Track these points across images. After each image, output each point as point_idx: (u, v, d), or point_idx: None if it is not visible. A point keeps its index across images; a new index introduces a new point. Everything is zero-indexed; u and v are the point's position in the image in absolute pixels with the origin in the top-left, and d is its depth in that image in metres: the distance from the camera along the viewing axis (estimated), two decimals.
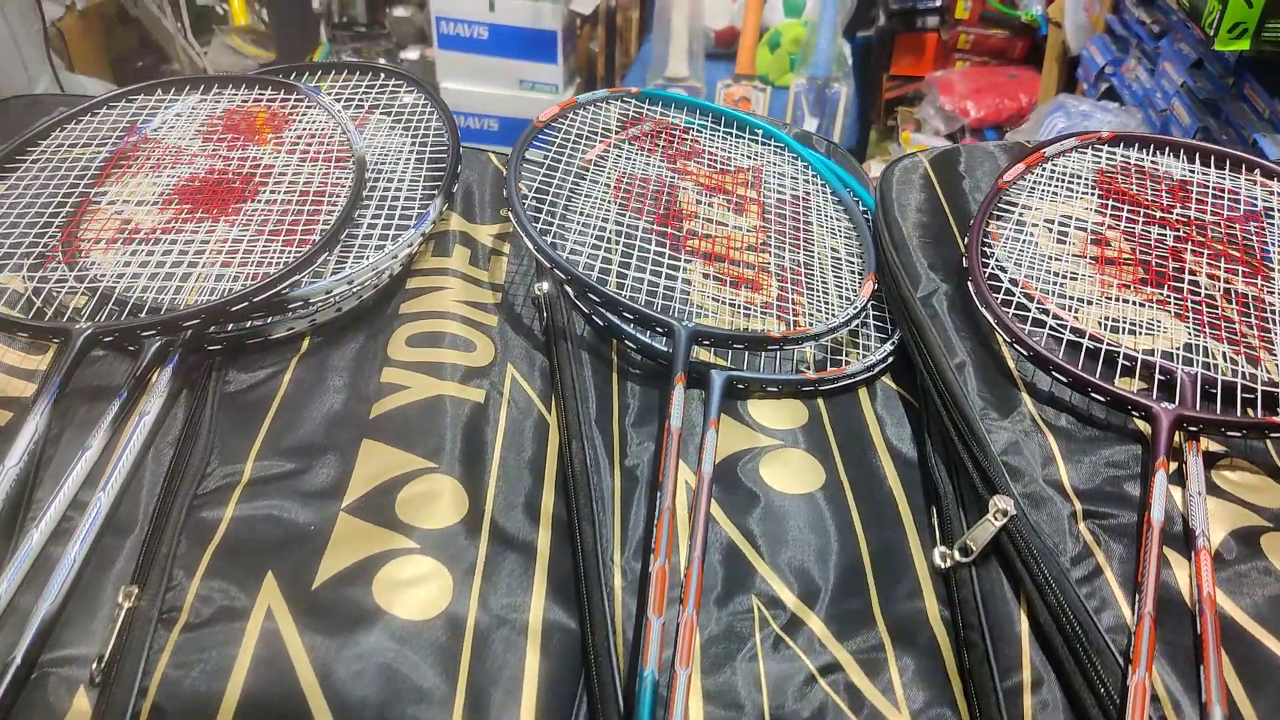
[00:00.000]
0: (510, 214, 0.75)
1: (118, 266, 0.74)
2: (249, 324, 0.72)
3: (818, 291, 0.80)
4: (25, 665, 0.51)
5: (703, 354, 0.73)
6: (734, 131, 0.95)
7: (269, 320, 0.72)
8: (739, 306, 0.77)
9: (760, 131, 0.95)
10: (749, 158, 0.93)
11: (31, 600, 0.53)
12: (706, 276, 0.79)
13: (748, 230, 0.85)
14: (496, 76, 2.62)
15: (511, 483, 0.64)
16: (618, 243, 0.79)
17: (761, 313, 0.77)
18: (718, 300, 0.77)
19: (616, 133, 0.90)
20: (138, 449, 0.62)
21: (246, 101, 0.91)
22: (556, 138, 0.86)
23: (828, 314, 0.79)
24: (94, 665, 0.51)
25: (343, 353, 0.72)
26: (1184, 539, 0.59)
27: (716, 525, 0.62)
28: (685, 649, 0.53)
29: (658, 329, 0.70)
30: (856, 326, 0.79)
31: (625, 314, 0.71)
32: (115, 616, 0.53)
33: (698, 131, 0.94)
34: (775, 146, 0.95)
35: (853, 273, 0.84)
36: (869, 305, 0.79)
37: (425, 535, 0.59)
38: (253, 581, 0.55)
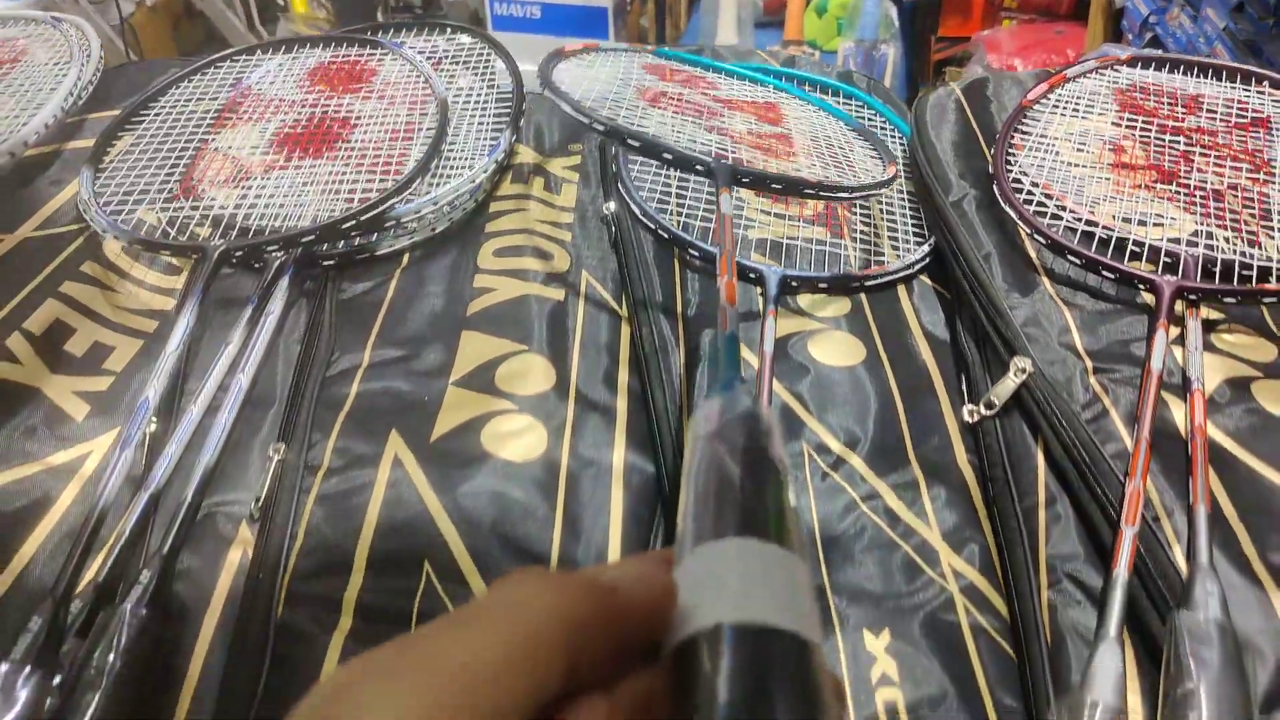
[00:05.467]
0: (549, 91, 0.79)
1: (236, 199, 0.84)
2: (356, 241, 0.83)
3: (844, 166, 0.90)
4: (193, 507, 0.61)
5: (757, 256, 0.82)
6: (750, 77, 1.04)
7: (373, 238, 0.83)
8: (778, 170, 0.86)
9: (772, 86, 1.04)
10: (768, 96, 1.02)
11: (194, 458, 0.64)
12: (748, 133, 0.88)
13: (774, 131, 0.93)
14: None
15: (591, 361, 0.73)
16: (649, 107, 0.87)
17: (797, 170, 0.86)
18: (755, 154, 0.85)
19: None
20: (267, 340, 0.73)
21: (335, 58, 1.02)
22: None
23: (860, 176, 0.88)
24: (253, 504, 0.62)
25: (439, 264, 0.82)
26: (1181, 386, 0.67)
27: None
28: None
29: (698, 168, 0.74)
30: (896, 228, 0.87)
31: (665, 155, 0.73)
32: (266, 468, 0.64)
33: (714, 77, 1.03)
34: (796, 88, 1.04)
35: (876, 161, 0.94)
36: (896, 179, 0.88)
37: (522, 399, 0.69)
38: (380, 437, 0.65)
